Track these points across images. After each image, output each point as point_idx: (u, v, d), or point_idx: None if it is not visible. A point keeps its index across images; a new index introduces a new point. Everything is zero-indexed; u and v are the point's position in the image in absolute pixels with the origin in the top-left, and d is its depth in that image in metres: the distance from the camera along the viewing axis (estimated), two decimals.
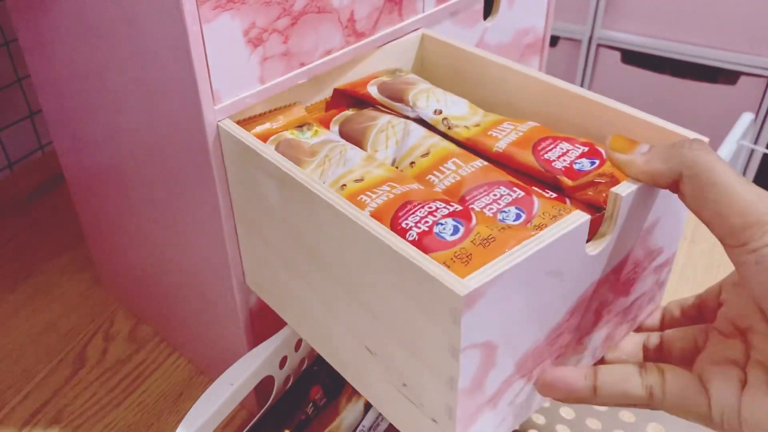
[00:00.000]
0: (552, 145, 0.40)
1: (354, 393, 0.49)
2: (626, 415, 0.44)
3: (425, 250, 0.32)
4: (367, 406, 0.48)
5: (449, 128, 0.44)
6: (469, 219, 0.35)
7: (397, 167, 0.42)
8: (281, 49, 0.43)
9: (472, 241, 0.34)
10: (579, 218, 0.32)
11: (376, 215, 0.36)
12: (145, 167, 0.50)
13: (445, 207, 0.36)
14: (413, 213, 0.36)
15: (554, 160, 0.39)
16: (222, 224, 0.45)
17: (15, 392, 0.59)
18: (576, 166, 0.39)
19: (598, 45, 1.84)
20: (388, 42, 0.51)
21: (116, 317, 0.66)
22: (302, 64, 0.45)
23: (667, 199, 0.37)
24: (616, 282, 0.38)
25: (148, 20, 0.40)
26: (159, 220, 0.53)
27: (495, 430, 0.36)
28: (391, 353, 0.36)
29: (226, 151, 0.42)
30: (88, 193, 0.62)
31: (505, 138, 0.42)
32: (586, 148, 0.40)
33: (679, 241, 0.42)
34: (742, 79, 1.71)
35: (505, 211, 0.37)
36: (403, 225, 0.35)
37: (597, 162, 0.39)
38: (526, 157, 0.40)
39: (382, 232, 0.33)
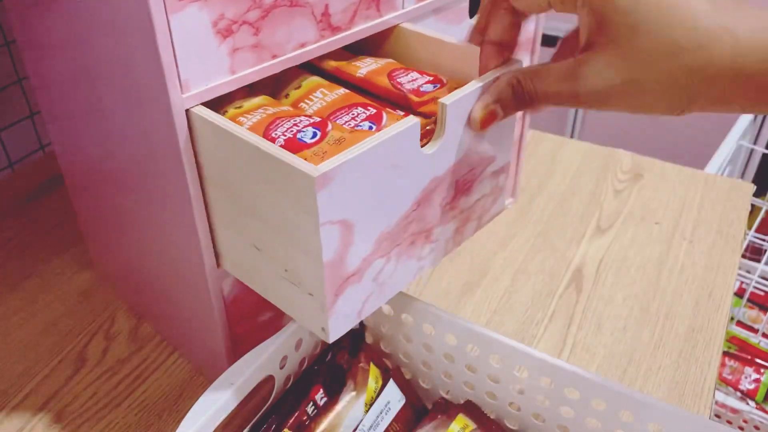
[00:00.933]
0: (404, 74, 0.50)
1: (353, 391, 0.49)
2: (626, 415, 0.44)
3: (291, 152, 0.39)
4: (368, 406, 0.49)
5: (321, 60, 0.51)
6: (326, 126, 0.43)
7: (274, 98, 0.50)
8: (252, 41, 0.44)
9: (327, 142, 0.42)
10: (411, 121, 0.41)
11: (251, 130, 0.43)
12: (127, 162, 0.51)
13: (307, 120, 0.44)
14: (281, 126, 0.44)
15: (404, 84, 0.49)
16: (194, 213, 0.46)
17: (16, 392, 0.59)
18: (422, 89, 0.48)
19: None
20: (367, 37, 0.51)
21: (117, 317, 0.66)
22: (274, 56, 0.45)
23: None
24: (456, 181, 0.47)
25: (120, 14, 0.41)
26: (143, 216, 0.53)
27: (363, 303, 0.44)
28: (273, 245, 0.43)
29: (198, 134, 0.44)
30: (84, 192, 0.62)
31: (366, 67, 0.51)
32: (431, 78, 0.49)
33: (511, 151, 0.52)
34: None
35: (360, 125, 0.45)
36: (273, 135, 0.43)
37: (438, 86, 0.48)
38: (382, 81, 0.49)
39: (252, 137, 0.40)
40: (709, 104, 0.35)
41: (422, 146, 0.43)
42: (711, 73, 0.34)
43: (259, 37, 0.44)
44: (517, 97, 0.42)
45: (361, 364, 0.50)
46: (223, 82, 0.43)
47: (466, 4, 0.59)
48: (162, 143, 0.44)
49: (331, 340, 0.43)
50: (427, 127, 0.44)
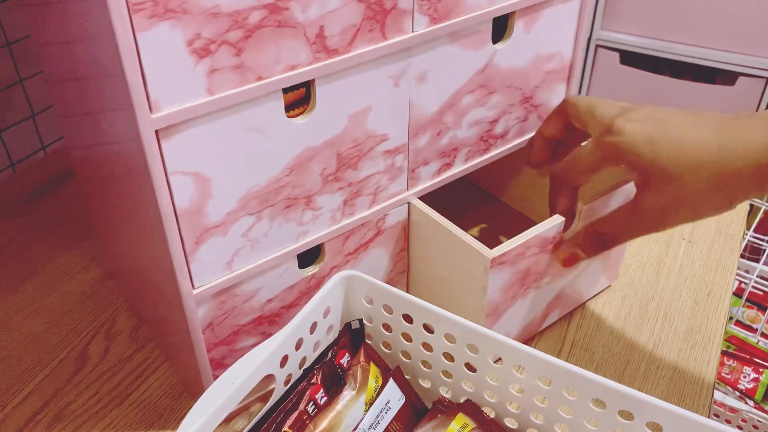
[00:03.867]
0: None
1: (354, 391, 0.49)
2: (625, 414, 0.44)
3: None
4: (368, 405, 0.49)
5: None
6: None
7: None
8: (233, 62, 0.42)
9: None
10: (271, 87, 0.44)
11: None
12: (114, 172, 0.51)
13: None
14: None
15: None
16: (166, 235, 0.45)
17: (17, 391, 0.59)
18: None
19: (597, 46, 1.84)
20: (370, 60, 0.49)
21: (118, 317, 0.66)
22: (259, 78, 0.43)
23: (376, 90, 0.50)
24: (337, 154, 0.50)
25: (92, 27, 0.40)
26: (129, 227, 0.54)
27: (232, 255, 0.49)
28: None
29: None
30: (91, 189, 0.62)
31: None
32: None
33: (406, 133, 0.54)
34: (741, 79, 1.71)
35: None
36: None
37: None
38: None
39: None
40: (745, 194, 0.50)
41: (295, 116, 0.47)
42: (728, 176, 0.49)
43: (241, 58, 0.42)
44: (595, 243, 0.57)
45: (361, 364, 0.51)
46: (199, 103, 0.41)
47: (485, 28, 0.54)
48: (135, 162, 0.43)
49: (196, 284, 0.47)
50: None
